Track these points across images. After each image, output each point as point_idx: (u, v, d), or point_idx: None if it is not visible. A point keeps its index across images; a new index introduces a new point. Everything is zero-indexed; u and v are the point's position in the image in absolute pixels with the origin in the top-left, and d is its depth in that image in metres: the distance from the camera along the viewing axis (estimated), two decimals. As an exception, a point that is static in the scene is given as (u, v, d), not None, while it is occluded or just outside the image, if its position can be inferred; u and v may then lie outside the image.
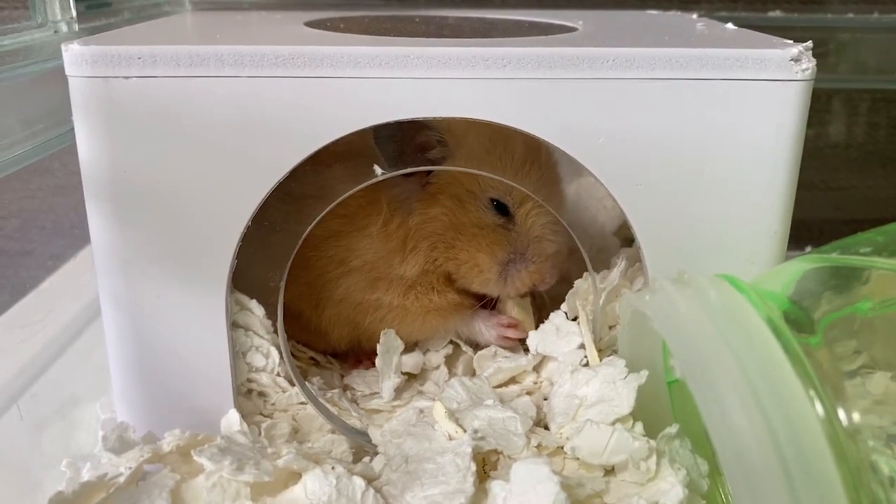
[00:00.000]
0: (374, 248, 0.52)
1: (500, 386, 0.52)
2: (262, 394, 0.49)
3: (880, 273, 0.38)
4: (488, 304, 0.56)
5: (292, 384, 0.49)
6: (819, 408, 0.32)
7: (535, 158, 0.51)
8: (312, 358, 0.58)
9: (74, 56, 0.41)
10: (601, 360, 0.47)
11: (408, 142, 0.47)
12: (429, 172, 0.52)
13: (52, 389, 0.54)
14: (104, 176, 0.43)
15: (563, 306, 0.52)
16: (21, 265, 0.75)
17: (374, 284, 0.53)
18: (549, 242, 0.53)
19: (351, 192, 0.46)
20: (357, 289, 0.53)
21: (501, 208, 0.53)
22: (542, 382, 0.52)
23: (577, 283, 0.52)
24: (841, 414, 0.32)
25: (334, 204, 0.46)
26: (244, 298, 0.48)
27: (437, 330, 0.56)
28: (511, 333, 0.55)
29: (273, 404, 0.49)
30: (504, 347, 0.56)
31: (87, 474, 0.46)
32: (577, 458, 0.43)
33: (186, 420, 0.45)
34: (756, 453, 0.31)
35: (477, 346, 0.57)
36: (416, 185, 0.52)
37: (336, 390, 0.53)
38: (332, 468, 0.41)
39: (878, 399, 0.34)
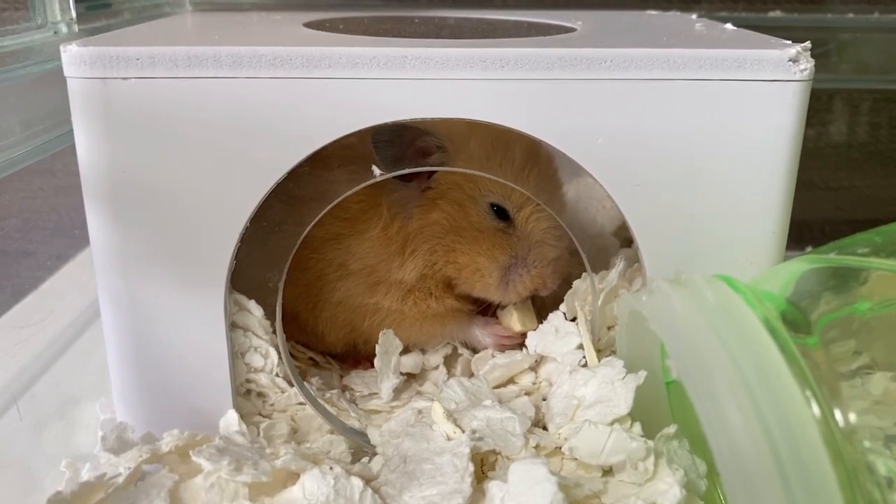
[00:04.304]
0: (374, 252, 0.52)
1: (498, 386, 0.52)
2: (260, 394, 0.49)
3: (878, 274, 0.38)
4: (486, 309, 0.56)
5: (291, 385, 0.49)
6: (815, 408, 0.32)
7: (535, 161, 0.51)
8: (311, 358, 0.58)
9: (73, 57, 0.41)
10: (600, 361, 0.47)
11: (406, 147, 0.47)
12: (429, 177, 0.52)
13: (51, 389, 0.54)
14: (103, 177, 0.43)
15: (562, 307, 0.52)
16: (22, 265, 0.75)
17: (373, 288, 0.53)
18: (550, 247, 0.53)
19: (349, 192, 0.46)
20: (355, 292, 0.53)
21: (502, 213, 0.52)
22: (540, 383, 0.52)
23: (576, 283, 0.52)
24: (837, 415, 0.32)
25: (333, 205, 0.47)
26: (243, 299, 0.48)
27: (434, 335, 0.56)
28: (508, 342, 0.55)
29: (272, 405, 0.49)
30: (502, 352, 0.55)
31: (86, 474, 0.46)
32: (576, 459, 0.43)
33: (185, 420, 0.45)
34: (752, 454, 0.31)
35: (475, 351, 0.57)
36: (416, 190, 0.52)
37: (335, 391, 0.53)
38: (331, 468, 0.41)
39: (878, 399, 0.35)
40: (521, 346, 0.54)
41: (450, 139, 0.49)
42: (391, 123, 0.43)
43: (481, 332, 0.56)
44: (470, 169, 0.49)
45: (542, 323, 0.53)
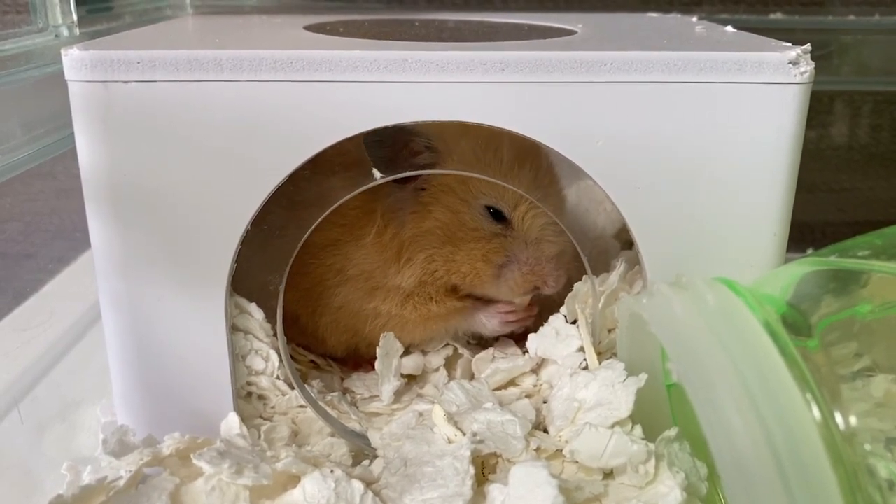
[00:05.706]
0: (370, 258, 0.52)
1: (499, 389, 0.52)
2: (261, 397, 0.49)
3: (879, 276, 0.38)
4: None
5: (292, 387, 0.49)
6: (816, 411, 0.32)
7: (526, 159, 0.51)
8: (312, 361, 0.58)
9: (74, 61, 0.41)
10: (600, 364, 0.47)
11: (400, 149, 0.47)
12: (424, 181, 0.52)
13: (52, 392, 0.55)
14: (104, 180, 0.43)
15: (563, 309, 0.52)
16: (23, 268, 0.75)
17: (372, 294, 0.53)
18: (549, 244, 0.53)
19: (348, 196, 0.46)
20: (355, 297, 0.53)
21: (498, 215, 0.52)
22: (541, 385, 0.52)
23: (577, 286, 0.52)
24: (838, 417, 0.32)
25: (332, 209, 0.47)
26: (244, 302, 0.48)
27: (437, 333, 0.56)
28: (512, 317, 0.55)
29: (272, 407, 0.49)
30: (507, 334, 0.55)
31: (87, 477, 0.46)
32: (576, 462, 0.43)
33: (186, 423, 0.45)
34: (752, 456, 0.31)
35: (479, 341, 0.57)
36: (410, 195, 0.52)
37: (336, 393, 0.53)
38: (331, 471, 0.41)
39: (879, 402, 0.34)
40: (525, 333, 0.54)
41: (441, 140, 0.49)
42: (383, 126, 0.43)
43: (485, 317, 0.55)
44: (460, 170, 0.49)
45: (542, 325, 0.53)
